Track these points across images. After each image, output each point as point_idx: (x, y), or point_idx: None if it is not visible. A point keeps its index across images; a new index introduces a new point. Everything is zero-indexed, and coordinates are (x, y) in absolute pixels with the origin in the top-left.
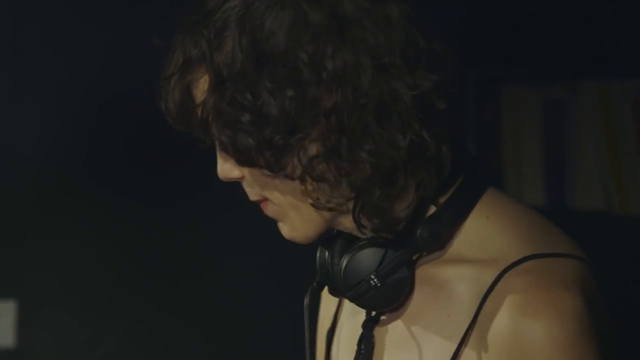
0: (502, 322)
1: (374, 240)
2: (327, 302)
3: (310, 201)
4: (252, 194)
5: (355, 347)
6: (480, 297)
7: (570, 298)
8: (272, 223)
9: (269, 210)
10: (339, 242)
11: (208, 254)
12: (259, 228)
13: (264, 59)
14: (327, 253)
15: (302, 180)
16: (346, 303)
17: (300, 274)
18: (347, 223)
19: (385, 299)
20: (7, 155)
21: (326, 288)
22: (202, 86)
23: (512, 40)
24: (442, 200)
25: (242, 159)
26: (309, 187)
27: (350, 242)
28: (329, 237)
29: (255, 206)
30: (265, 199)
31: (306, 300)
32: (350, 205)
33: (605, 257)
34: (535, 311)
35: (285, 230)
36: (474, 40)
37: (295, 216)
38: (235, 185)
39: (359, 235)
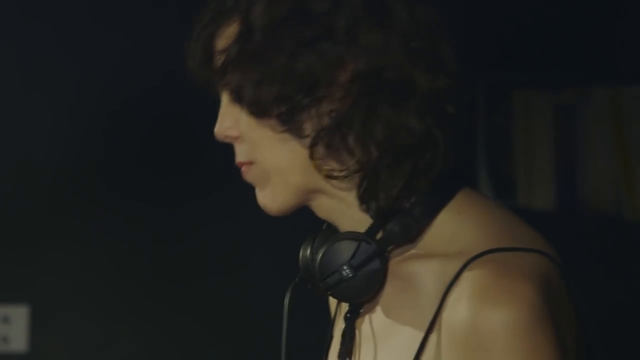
0: (461, 310)
1: (351, 234)
2: (332, 301)
3: (325, 172)
4: (242, 154)
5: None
6: (445, 288)
7: (527, 288)
8: (284, 224)
9: (251, 174)
10: (319, 238)
11: (220, 256)
12: (271, 229)
13: (303, 14)
14: (309, 249)
15: (312, 144)
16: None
17: None
18: (327, 202)
19: (357, 290)
20: (19, 159)
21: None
22: (229, 32)
23: (523, 45)
24: (417, 196)
25: (259, 108)
26: (317, 153)
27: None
28: (312, 235)
29: None
30: (251, 163)
31: (287, 297)
32: (349, 182)
33: (616, 261)
34: (491, 298)
35: (262, 197)
36: (485, 45)
37: (278, 183)
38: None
39: (337, 222)
